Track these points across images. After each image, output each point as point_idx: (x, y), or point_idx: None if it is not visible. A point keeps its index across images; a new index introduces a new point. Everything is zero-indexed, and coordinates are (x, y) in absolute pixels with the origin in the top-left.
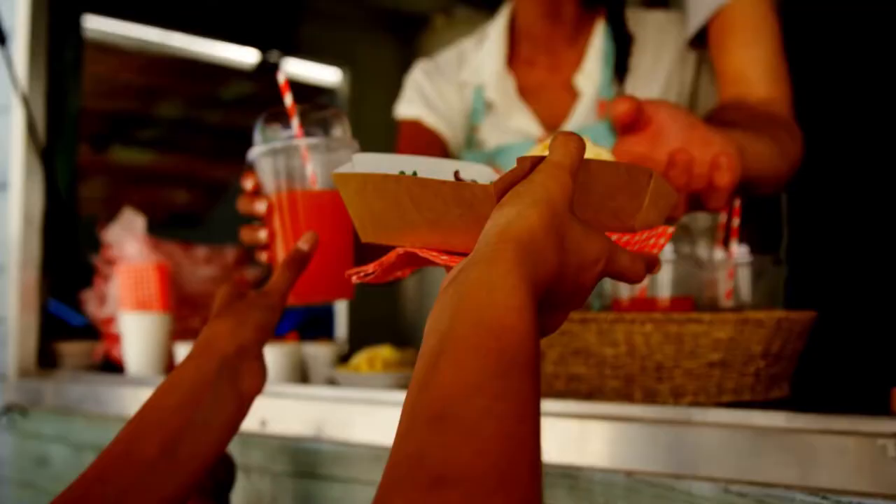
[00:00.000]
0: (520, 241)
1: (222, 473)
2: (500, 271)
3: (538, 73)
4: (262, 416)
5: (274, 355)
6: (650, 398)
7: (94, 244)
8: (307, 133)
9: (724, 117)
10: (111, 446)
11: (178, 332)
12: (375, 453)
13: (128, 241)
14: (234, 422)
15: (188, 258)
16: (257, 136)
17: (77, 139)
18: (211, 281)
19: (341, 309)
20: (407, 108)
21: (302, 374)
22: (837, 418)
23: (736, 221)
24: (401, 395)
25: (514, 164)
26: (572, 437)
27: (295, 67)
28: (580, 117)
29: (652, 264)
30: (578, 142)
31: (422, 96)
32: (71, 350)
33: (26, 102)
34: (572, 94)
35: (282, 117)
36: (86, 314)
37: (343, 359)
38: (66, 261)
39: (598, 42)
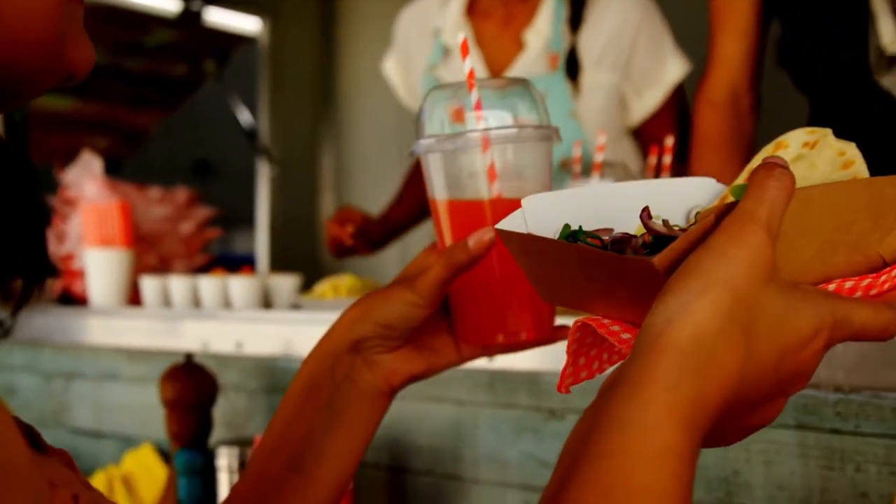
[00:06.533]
0: (678, 350)
1: (206, 389)
2: (640, 401)
3: (492, 24)
4: (238, 339)
5: (240, 286)
6: None
7: (46, 186)
8: (487, 117)
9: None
10: (247, 465)
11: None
12: None
13: (86, 182)
14: (365, 422)
15: (142, 198)
16: (425, 117)
17: None
18: (164, 220)
19: (262, 249)
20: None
21: (266, 303)
22: None
23: (667, 159)
24: None
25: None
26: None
27: (216, 16)
28: (522, 68)
29: None
30: (782, 181)
31: (400, 53)
32: None
33: None
34: (519, 47)
35: (459, 91)
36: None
37: (302, 288)
38: (25, 200)
39: (551, 2)
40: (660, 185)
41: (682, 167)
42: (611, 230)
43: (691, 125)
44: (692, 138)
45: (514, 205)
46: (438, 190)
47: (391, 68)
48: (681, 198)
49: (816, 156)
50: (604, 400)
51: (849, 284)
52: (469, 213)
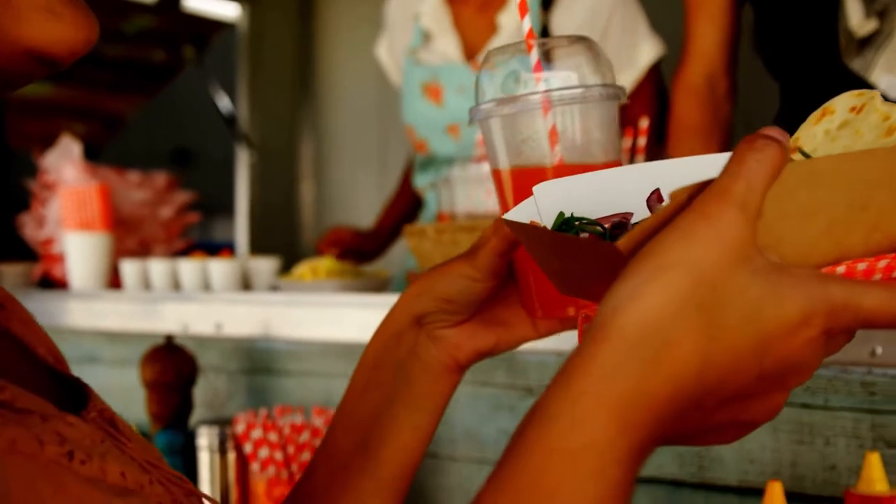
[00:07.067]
0: (622, 338)
1: (186, 370)
2: (572, 393)
3: (469, 8)
4: (217, 321)
5: (219, 268)
6: None
7: (25, 170)
8: (548, 78)
9: None
10: (319, 445)
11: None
12: (325, 348)
13: (65, 166)
14: (431, 400)
15: (122, 182)
16: (484, 81)
17: None
18: (143, 204)
19: (241, 237)
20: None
21: (245, 285)
22: None
23: (642, 141)
24: (348, 297)
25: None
26: None
27: (195, 2)
28: None
29: None
30: (764, 153)
31: (388, 37)
32: (10, 271)
33: None
34: (494, 30)
35: (518, 52)
36: (24, 237)
37: (281, 272)
38: (2, 186)
39: None
40: (677, 164)
41: (658, 148)
42: (630, 214)
43: (668, 109)
44: (669, 125)
45: (577, 170)
46: (501, 157)
47: (383, 53)
48: (700, 177)
49: (861, 122)
50: (543, 393)
51: (862, 266)
52: (530, 180)
